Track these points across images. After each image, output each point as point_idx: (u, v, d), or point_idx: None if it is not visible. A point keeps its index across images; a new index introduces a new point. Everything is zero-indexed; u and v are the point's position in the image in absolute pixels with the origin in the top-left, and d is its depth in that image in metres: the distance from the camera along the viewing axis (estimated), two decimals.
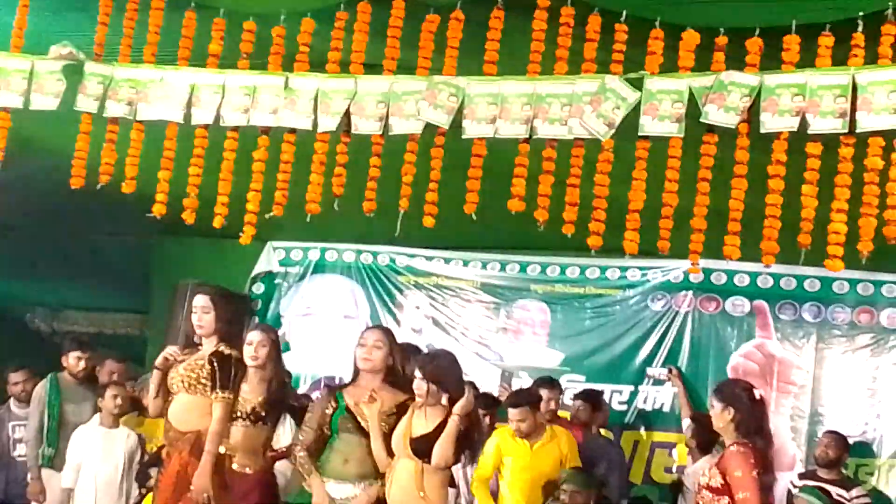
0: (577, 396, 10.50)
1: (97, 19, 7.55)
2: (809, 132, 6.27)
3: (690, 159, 6.59)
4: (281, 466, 7.67)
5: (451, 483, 6.70)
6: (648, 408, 11.52)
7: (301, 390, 11.18)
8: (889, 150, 6.19)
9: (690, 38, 6.55)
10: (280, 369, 7.57)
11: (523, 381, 11.34)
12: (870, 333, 11.15)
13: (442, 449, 6.65)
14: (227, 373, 7.16)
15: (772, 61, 6.40)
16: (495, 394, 10.39)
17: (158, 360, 7.34)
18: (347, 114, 7.13)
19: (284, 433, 8.05)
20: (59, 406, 9.64)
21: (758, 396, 6.76)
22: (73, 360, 9.76)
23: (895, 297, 11.05)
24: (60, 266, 13.76)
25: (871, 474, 10.84)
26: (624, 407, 11.52)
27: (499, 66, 6.91)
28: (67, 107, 7.57)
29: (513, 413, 8.64)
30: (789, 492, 9.67)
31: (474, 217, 6.92)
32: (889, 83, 6.10)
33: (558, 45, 6.75)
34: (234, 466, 7.25)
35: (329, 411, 7.05)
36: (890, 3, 6.17)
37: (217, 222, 7.47)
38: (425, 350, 8.37)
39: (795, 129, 6.30)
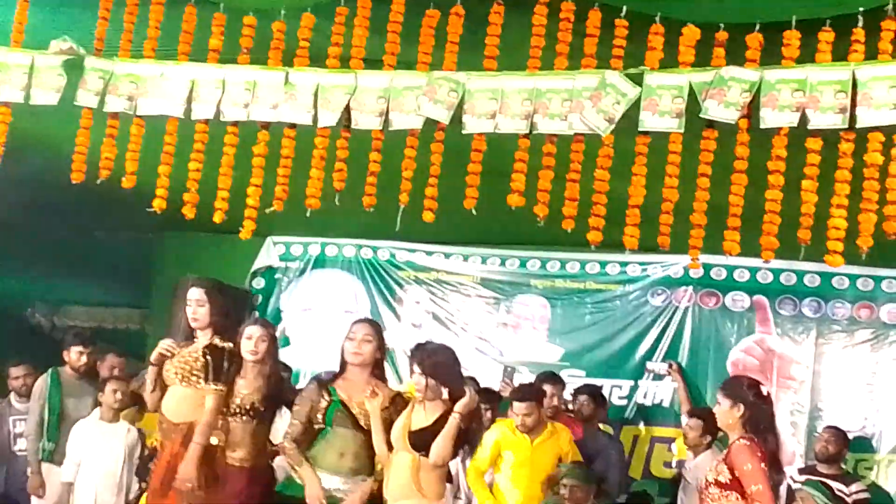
0: (580, 392, 10.50)
1: (97, 14, 7.54)
2: (809, 128, 6.27)
3: (690, 155, 6.59)
4: (281, 461, 7.67)
5: (449, 478, 6.70)
6: (648, 403, 11.54)
7: (300, 385, 11.18)
8: (889, 145, 6.19)
9: (690, 33, 6.55)
10: (278, 364, 7.59)
11: (524, 377, 11.35)
12: (869, 329, 11.18)
13: (440, 447, 6.65)
14: (220, 365, 7.16)
15: (772, 57, 6.40)
16: (496, 388, 10.39)
17: (154, 356, 7.33)
18: (347, 109, 7.12)
19: (283, 428, 8.04)
20: (59, 401, 9.64)
21: (765, 393, 6.76)
22: (75, 355, 9.76)
23: (895, 293, 11.05)
24: (61, 261, 13.76)
25: (871, 469, 10.87)
26: (624, 402, 11.54)
27: (499, 62, 6.91)
28: (67, 102, 7.57)
29: (519, 407, 8.64)
30: (789, 487, 9.66)
31: (474, 212, 6.93)
32: (889, 78, 6.10)
33: (558, 41, 6.75)
34: (231, 460, 7.25)
35: (323, 405, 7.04)
36: None
37: (217, 217, 7.47)
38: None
39: (795, 125, 6.29)
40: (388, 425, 6.92)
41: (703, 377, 11.36)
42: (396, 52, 7.08)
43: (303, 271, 12.80)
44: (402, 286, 12.51)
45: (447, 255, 12.37)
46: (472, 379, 9.51)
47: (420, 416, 6.76)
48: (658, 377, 11.49)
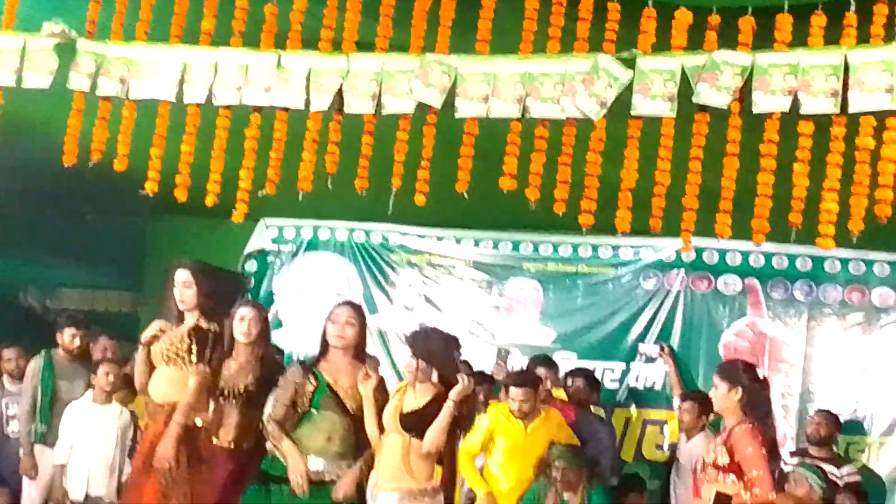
0: (575, 375, 10.52)
1: None
2: (801, 112, 6.29)
3: (682, 138, 6.60)
4: None
5: (439, 460, 6.71)
6: (640, 386, 11.54)
7: None
8: (880, 129, 6.21)
9: (683, 17, 6.56)
10: (270, 346, 7.59)
11: (517, 359, 11.36)
12: (861, 312, 11.18)
13: (434, 434, 6.66)
14: (204, 346, 7.16)
15: (764, 41, 6.41)
16: (489, 371, 10.39)
17: (146, 336, 7.33)
18: (340, 92, 7.13)
19: None
20: (52, 383, 9.64)
21: (761, 376, 6.79)
22: (68, 338, 9.76)
23: (887, 276, 11.08)
24: (53, 244, 13.72)
25: (862, 452, 10.88)
26: (615, 385, 11.54)
27: (491, 45, 6.91)
28: (60, 85, 7.56)
29: (516, 393, 8.65)
30: (780, 469, 9.69)
31: (466, 195, 6.94)
32: (881, 63, 6.12)
33: (551, 24, 6.76)
34: (222, 442, 7.27)
35: (310, 388, 7.03)
36: None
37: (209, 200, 7.48)
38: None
39: (787, 109, 6.32)
40: (377, 408, 6.94)
41: (695, 360, 11.37)
42: (389, 35, 7.09)
43: (295, 254, 12.78)
44: (395, 269, 12.49)
45: (440, 239, 12.35)
46: (465, 362, 9.54)
47: (411, 398, 6.78)
48: (650, 360, 11.49)
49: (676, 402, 10.62)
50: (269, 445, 7.06)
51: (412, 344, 6.93)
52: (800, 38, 6.34)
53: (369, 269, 12.52)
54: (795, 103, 6.27)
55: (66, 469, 9.13)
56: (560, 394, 10.24)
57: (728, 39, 6.47)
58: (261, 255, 12.85)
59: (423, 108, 7.00)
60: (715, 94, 6.42)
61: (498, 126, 6.89)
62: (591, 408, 10.48)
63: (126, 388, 9.39)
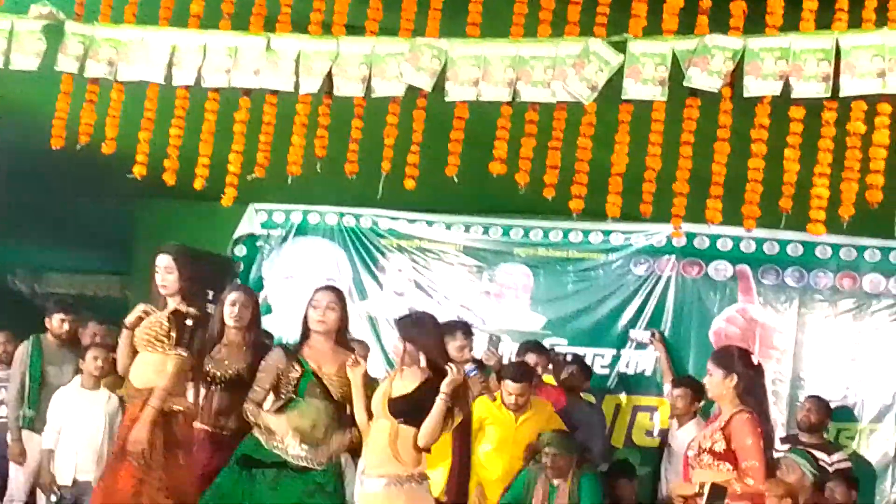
0: (570, 361, 10.53)
1: None
2: (792, 96, 6.27)
3: (673, 123, 6.58)
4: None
5: (426, 448, 6.69)
6: (630, 372, 11.54)
7: None
8: (872, 114, 6.18)
9: (674, 0, 6.53)
10: (261, 331, 7.57)
11: (507, 345, 11.34)
12: (852, 298, 11.18)
13: (429, 429, 6.62)
14: (183, 331, 7.12)
15: (755, 25, 6.38)
16: (479, 356, 10.37)
17: (130, 319, 7.28)
18: (329, 75, 7.09)
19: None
20: (40, 368, 9.64)
21: (755, 363, 6.78)
22: (57, 323, 9.75)
23: (878, 262, 11.07)
24: (41, 228, 13.72)
25: (852, 438, 10.90)
26: (606, 371, 11.54)
27: (481, 29, 6.88)
28: (47, 67, 7.52)
29: (513, 387, 8.65)
30: (771, 456, 9.69)
31: (456, 179, 6.91)
32: (872, 47, 6.09)
33: (541, 7, 6.73)
34: (212, 427, 7.26)
35: (294, 375, 7.01)
36: None
37: (198, 184, 7.45)
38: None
39: (778, 94, 6.29)
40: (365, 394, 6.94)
41: (686, 346, 11.37)
42: (379, 18, 7.06)
43: (285, 239, 12.76)
44: (385, 254, 12.47)
45: (430, 224, 12.33)
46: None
47: (400, 383, 6.76)
48: (641, 346, 11.49)
49: (667, 388, 10.65)
50: (255, 430, 7.04)
51: (400, 327, 6.92)
52: (791, 23, 6.31)
53: (359, 254, 12.50)
54: (787, 88, 6.25)
55: (54, 454, 9.14)
56: (550, 380, 10.25)
57: (719, 23, 6.44)
58: (250, 239, 12.83)
59: (413, 91, 6.97)
60: (706, 78, 6.39)
61: (488, 110, 6.86)
62: (582, 394, 10.50)
63: (115, 374, 9.34)
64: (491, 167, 6.84)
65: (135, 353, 7.25)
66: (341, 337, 7.16)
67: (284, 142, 7.24)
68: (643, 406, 11.47)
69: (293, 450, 6.88)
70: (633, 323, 11.56)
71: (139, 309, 7.28)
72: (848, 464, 9.86)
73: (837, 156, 6.27)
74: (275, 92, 7.25)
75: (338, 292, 7.26)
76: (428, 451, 6.76)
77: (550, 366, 10.31)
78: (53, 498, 9.17)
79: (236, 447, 7.12)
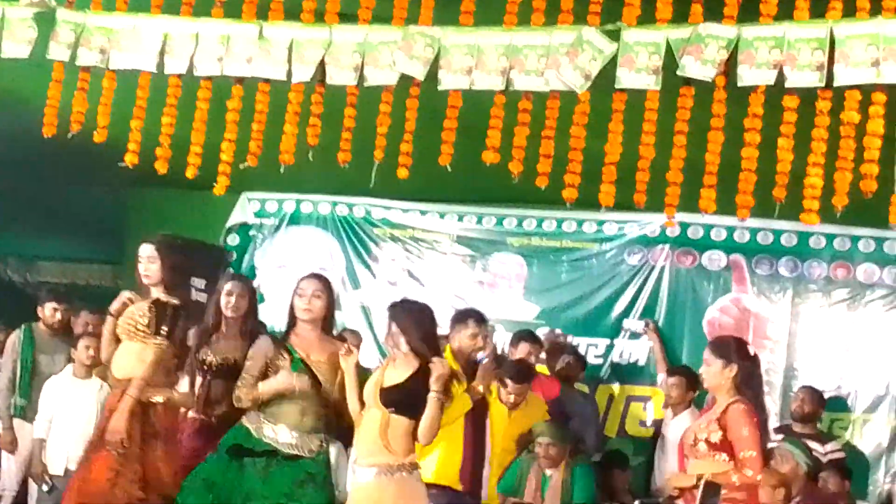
0: (569, 353, 10.53)
1: None
2: (786, 86, 6.26)
3: (667, 112, 6.57)
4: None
5: (416, 436, 6.68)
6: (623, 362, 11.54)
7: None
8: (866, 104, 6.17)
9: None
10: (258, 320, 7.55)
11: (500, 335, 11.34)
12: (846, 288, 11.18)
13: (426, 426, 6.60)
14: (163, 320, 7.11)
15: (749, 13, 6.37)
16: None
17: (114, 307, 7.27)
18: (322, 64, 7.08)
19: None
20: (32, 357, 9.64)
21: (752, 353, 6.77)
22: (49, 312, 9.75)
23: (871, 252, 11.08)
24: (33, 216, 13.71)
25: (845, 429, 10.91)
26: (599, 361, 11.54)
27: (475, 17, 6.87)
28: (39, 55, 7.50)
29: (513, 387, 8.64)
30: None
31: (449, 168, 6.90)
32: (866, 36, 6.08)
33: None
34: (209, 416, 7.25)
35: (283, 363, 6.98)
36: None
37: (190, 172, 7.44)
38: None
39: (772, 83, 6.28)
40: (341, 386, 6.93)
41: (679, 336, 11.37)
42: (372, 6, 7.04)
43: (278, 228, 12.76)
44: (378, 244, 12.47)
45: (423, 213, 12.33)
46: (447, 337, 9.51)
47: (392, 373, 6.74)
48: (634, 336, 11.49)
49: (661, 378, 10.65)
50: (244, 419, 7.01)
51: (391, 312, 6.91)
52: (785, 11, 6.30)
53: (352, 244, 12.50)
54: (781, 77, 6.23)
55: (45, 443, 9.13)
56: (544, 369, 10.24)
57: (713, 12, 6.42)
58: (242, 228, 12.83)
59: (406, 80, 6.96)
60: (700, 67, 6.38)
61: (481, 99, 6.85)
62: (575, 384, 10.50)
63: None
64: (484, 156, 6.84)
65: (118, 341, 7.23)
66: (327, 325, 7.13)
67: (277, 130, 7.22)
68: (637, 396, 11.47)
69: (284, 437, 6.87)
70: (626, 313, 11.57)
71: (123, 296, 7.28)
72: (841, 454, 9.87)
73: (831, 145, 6.26)
74: (267, 80, 7.23)
75: (324, 280, 7.21)
76: (420, 442, 6.73)
77: (543, 355, 10.29)
78: (45, 487, 9.17)
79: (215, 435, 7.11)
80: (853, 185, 6.21)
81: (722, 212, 6.62)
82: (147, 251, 7.27)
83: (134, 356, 7.08)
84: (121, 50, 7.41)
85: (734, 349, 6.67)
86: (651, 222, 11.43)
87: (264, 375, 6.98)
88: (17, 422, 9.51)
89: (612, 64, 6.55)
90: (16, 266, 15.65)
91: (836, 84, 6.16)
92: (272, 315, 11.28)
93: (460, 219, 12.26)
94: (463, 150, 6.91)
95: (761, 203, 6.45)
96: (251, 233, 12.84)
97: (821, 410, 10.19)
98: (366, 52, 7.00)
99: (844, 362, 11.07)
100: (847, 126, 6.19)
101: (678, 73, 6.45)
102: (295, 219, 12.75)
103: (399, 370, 6.72)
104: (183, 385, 7.53)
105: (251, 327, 7.38)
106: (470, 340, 7.93)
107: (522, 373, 8.90)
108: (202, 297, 12.12)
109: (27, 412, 9.42)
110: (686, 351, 11.18)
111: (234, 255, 12.78)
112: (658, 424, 10.56)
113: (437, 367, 6.62)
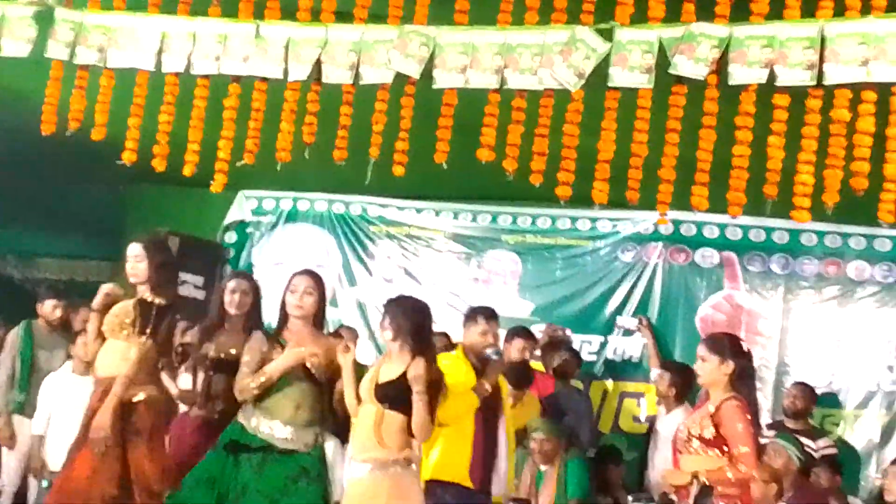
0: (566, 350, 10.58)
1: None
2: (777, 84, 6.30)
3: (660, 110, 6.61)
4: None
5: (410, 431, 6.71)
6: (617, 358, 11.58)
7: None
8: (856, 102, 6.22)
9: None
10: (261, 317, 7.57)
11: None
12: (837, 285, 11.22)
13: (418, 425, 6.63)
14: (148, 320, 7.11)
15: (741, 13, 6.42)
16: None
17: (96, 302, 7.26)
18: (318, 62, 7.13)
19: None
20: (31, 353, 9.67)
21: (745, 349, 6.81)
22: (49, 308, 9.78)
23: (862, 250, 11.11)
24: (33, 213, 13.71)
25: (837, 425, 10.94)
26: (593, 357, 11.58)
27: (470, 16, 6.91)
28: (38, 53, 7.54)
29: (514, 392, 8.69)
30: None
31: (445, 166, 6.95)
32: (857, 35, 6.14)
33: None
34: (211, 413, 7.29)
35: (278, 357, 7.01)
36: None
37: (188, 170, 7.48)
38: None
39: (764, 81, 6.33)
40: (332, 379, 6.97)
41: (673, 333, 11.41)
42: (367, 5, 7.09)
43: (274, 226, 12.80)
44: (374, 241, 12.50)
45: (419, 210, 12.37)
46: (444, 334, 9.55)
47: (387, 368, 6.78)
48: (628, 333, 11.53)
49: (654, 374, 10.67)
50: (239, 414, 7.04)
51: (386, 307, 6.97)
52: (777, 11, 6.35)
53: (348, 241, 12.54)
54: (772, 75, 6.28)
55: (44, 440, 9.15)
56: (539, 366, 10.29)
57: (706, 11, 6.47)
58: (240, 226, 12.88)
59: (401, 78, 7.00)
60: (692, 65, 6.43)
61: (476, 97, 6.90)
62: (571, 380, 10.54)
63: None
64: (479, 154, 6.88)
65: (104, 338, 7.24)
66: (318, 321, 7.14)
67: (273, 128, 7.26)
68: (630, 392, 11.51)
69: (279, 432, 6.89)
70: (620, 309, 11.61)
71: (103, 290, 7.26)
72: (833, 450, 9.90)
73: (822, 143, 6.31)
74: (264, 79, 7.28)
75: (316, 277, 7.22)
76: (416, 439, 6.76)
77: (538, 352, 10.34)
78: (45, 483, 9.18)
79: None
80: (844, 183, 6.25)
81: (714, 209, 6.67)
82: (135, 250, 7.25)
83: (118, 355, 7.06)
84: (119, 48, 7.46)
85: (729, 346, 6.71)
86: (644, 220, 11.47)
87: (259, 369, 6.99)
88: (16, 418, 9.54)
89: (605, 62, 6.60)
90: (15, 263, 15.64)
91: (826, 82, 6.21)
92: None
93: (455, 216, 12.31)
94: (458, 148, 6.95)
95: (753, 201, 6.49)
96: (248, 230, 12.87)
97: (812, 406, 10.24)
98: (361, 51, 7.04)
99: (836, 358, 11.10)
100: (838, 124, 6.24)
101: (670, 71, 6.50)
102: (292, 216, 12.79)
103: (394, 366, 6.74)
104: (185, 382, 7.56)
105: (254, 324, 7.40)
106: (480, 337, 7.98)
107: (522, 379, 8.97)
108: (200, 295, 12.20)
109: (26, 408, 9.45)
110: (679, 347, 11.22)
111: (232, 253, 12.82)
112: (652, 420, 10.58)
113: (413, 368, 6.67)
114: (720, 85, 6.48)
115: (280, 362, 6.90)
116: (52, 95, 7.62)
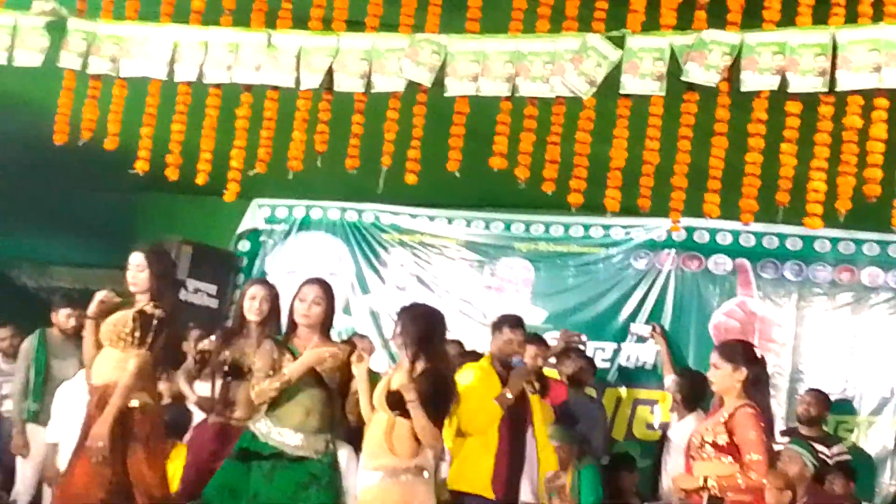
0: (581, 357, 10.57)
1: None
2: (789, 91, 6.30)
3: (671, 117, 6.61)
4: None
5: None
6: (631, 365, 11.58)
7: None
8: (868, 108, 6.21)
9: None
10: (280, 324, 7.58)
11: None
12: (850, 292, 11.21)
13: (420, 433, 6.64)
14: (147, 331, 7.06)
15: (753, 19, 6.41)
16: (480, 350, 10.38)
17: (91, 309, 7.26)
18: (330, 71, 7.14)
19: None
20: (45, 361, 9.68)
21: (759, 356, 6.81)
22: (63, 317, 9.79)
23: (876, 256, 11.10)
24: (46, 222, 13.75)
25: (851, 431, 10.92)
26: (607, 364, 11.57)
27: (481, 24, 6.91)
28: (50, 63, 7.56)
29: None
30: (771, 448, 9.71)
31: (457, 174, 6.96)
32: (869, 42, 6.13)
33: (540, 3, 6.77)
34: (230, 420, 7.31)
35: (288, 364, 7.00)
36: None
37: (200, 179, 7.49)
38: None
39: (775, 88, 6.32)
40: (343, 385, 6.97)
41: (686, 340, 11.40)
42: (379, 13, 7.10)
43: (288, 234, 12.83)
44: (387, 249, 12.52)
45: (431, 218, 12.38)
46: (458, 342, 9.57)
47: (398, 376, 6.78)
48: (641, 340, 11.53)
49: (668, 381, 10.66)
50: (250, 422, 7.04)
51: (398, 315, 6.98)
52: (788, 17, 6.34)
53: (361, 249, 12.56)
54: (783, 82, 6.28)
55: (58, 448, 9.15)
56: (553, 374, 10.28)
57: (717, 18, 6.47)
58: (253, 234, 12.92)
59: (412, 86, 7.01)
60: (704, 73, 6.43)
61: (487, 105, 6.90)
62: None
63: None
64: (491, 162, 6.88)
65: (101, 346, 7.24)
66: (325, 329, 7.12)
67: (285, 137, 7.28)
68: (643, 399, 11.50)
69: (290, 439, 6.89)
70: (633, 317, 11.60)
71: (98, 298, 7.27)
72: (847, 456, 9.88)
73: (834, 150, 6.30)
74: (276, 87, 7.29)
75: (325, 286, 7.19)
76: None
77: (553, 359, 10.34)
78: None
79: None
80: (856, 190, 6.25)
81: (727, 216, 6.66)
82: (136, 259, 7.23)
83: (113, 363, 7.06)
84: (131, 58, 7.48)
85: (742, 353, 6.71)
86: (657, 227, 11.46)
87: (269, 375, 6.99)
88: (30, 426, 9.55)
89: (616, 70, 6.60)
90: (29, 271, 15.68)
91: (838, 89, 6.21)
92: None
93: (468, 224, 12.32)
94: (470, 156, 6.96)
95: (765, 208, 6.48)
96: (262, 238, 12.91)
97: (826, 413, 10.22)
98: (373, 60, 7.05)
99: (849, 365, 11.09)
100: (850, 131, 6.23)
101: (682, 78, 6.51)
102: (305, 224, 12.82)
103: (405, 373, 6.75)
104: (204, 388, 7.56)
105: (272, 331, 7.40)
106: (506, 346, 7.99)
107: (543, 389, 8.97)
108: (213, 303, 12.24)
109: (40, 416, 9.45)
110: (692, 354, 11.22)
111: (245, 261, 12.85)
112: (665, 427, 10.57)
113: (396, 378, 6.69)
114: (732, 92, 6.47)
115: (300, 363, 6.89)
116: (65, 105, 7.64)
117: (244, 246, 12.98)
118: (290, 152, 7.26)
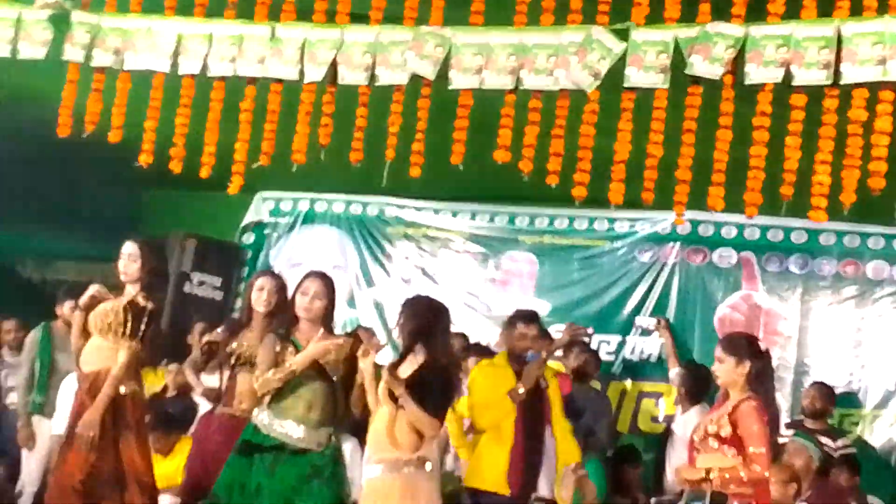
0: (586, 350, 10.56)
1: None
2: (794, 84, 6.30)
3: (675, 110, 6.61)
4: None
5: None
6: (635, 358, 11.56)
7: None
8: (873, 101, 6.21)
9: None
10: (286, 318, 7.57)
11: None
12: (855, 285, 11.18)
13: (418, 425, 6.64)
14: (138, 323, 7.09)
15: (757, 13, 6.41)
16: (484, 343, 10.38)
17: (83, 301, 7.25)
18: (334, 64, 7.14)
19: None
20: (50, 354, 9.69)
21: (763, 349, 6.80)
22: (68, 311, 9.77)
23: (881, 249, 11.07)
24: (50, 216, 13.76)
25: (856, 424, 10.90)
26: (611, 357, 11.56)
27: (485, 17, 6.92)
28: (54, 56, 7.57)
29: None
30: (776, 441, 9.71)
31: (461, 167, 6.95)
32: (873, 35, 6.13)
33: None
34: (236, 412, 7.31)
35: (290, 356, 6.99)
36: None
37: (204, 172, 7.50)
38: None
39: (780, 81, 6.32)
40: (347, 378, 6.97)
41: (690, 333, 11.38)
42: (383, 6, 7.10)
43: (292, 227, 12.83)
44: (392, 242, 12.52)
45: (436, 211, 12.37)
46: (462, 335, 9.56)
47: (402, 368, 6.77)
48: (646, 333, 11.51)
49: (672, 374, 10.65)
50: (253, 415, 7.04)
51: (401, 307, 6.98)
52: (793, 10, 6.34)
53: (366, 242, 12.56)
54: (788, 75, 6.28)
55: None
56: (559, 366, 10.27)
57: (721, 11, 6.47)
58: (258, 227, 12.91)
59: (416, 79, 7.01)
60: (708, 65, 6.43)
61: (492, 98, 6.90)
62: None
63: None
64: (495, 155, 6.88)
65: (87, 335, 7.25)
66: (327, 323, 7.11)
67: (289, 130, 7.28)
68: (648, 392, 11.49)
69: (293, 431, 6.88)
70: (638, 310, 11.59)
71: (91, 290, 7.27)
72: (852, 450, 9.85)
73: (839, 143, 6.30)
74: (280, 80, 7.31)
75: (327, 279, 7.14)
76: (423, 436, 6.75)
77: (559, 352, 10.33)
78: None
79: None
80: (861, 183, 6.24)
81: (731, 209, 6.67)
82: (130, 249, 7.25)
83: (103, 352, 7.08)
84: (135, 51, 7.49)
85: (746, 346, 6.70)
86: (662, 220, 11.43)
87: (274, 368, 6.98)
88: (35, 418, 9.57)
89: (620, 63, 6.61)
90: (34, 265, 15.71)
91: (843, 82, 6.21)
92: None
93: (473, 217, 12.31)
94: (474, 149, 6.96)
95: (770, 201, 6.48)
96: (266, 231, 12.91)
97: (831, 406, 10.18)
98: (377, 53, 7.06)
99: (854, 358, 11.07)
100: (854, 124, 6.23)
101: (686, 71, 6.51)
102: (309, 218, 12.81)
103: (408, 365, 6.75)
104: (211, 380, 7.55)
105: (279, 322, 7.40)
106: (518, 342, 7.98)
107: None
108: (217, 296, 12.23)
109: (45, 409, 9.47)
110: (697, 347, 11.18)
111: (250, 254, 12.85)
112: (670, 420, 10.57)
113: (384, 380, 6.70)
114: (736, 85, 6.48)
115: (305, 355, 6.88)
116: (69, 98, 7.66)
117: (248, 239, 12.98)
118: (294, 145, 7.27)
